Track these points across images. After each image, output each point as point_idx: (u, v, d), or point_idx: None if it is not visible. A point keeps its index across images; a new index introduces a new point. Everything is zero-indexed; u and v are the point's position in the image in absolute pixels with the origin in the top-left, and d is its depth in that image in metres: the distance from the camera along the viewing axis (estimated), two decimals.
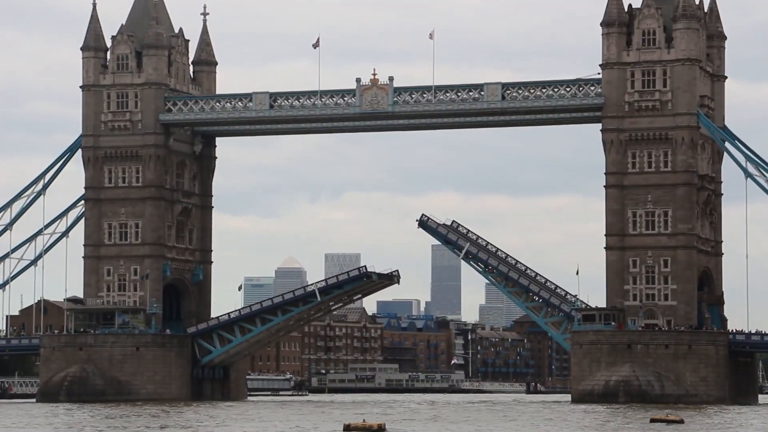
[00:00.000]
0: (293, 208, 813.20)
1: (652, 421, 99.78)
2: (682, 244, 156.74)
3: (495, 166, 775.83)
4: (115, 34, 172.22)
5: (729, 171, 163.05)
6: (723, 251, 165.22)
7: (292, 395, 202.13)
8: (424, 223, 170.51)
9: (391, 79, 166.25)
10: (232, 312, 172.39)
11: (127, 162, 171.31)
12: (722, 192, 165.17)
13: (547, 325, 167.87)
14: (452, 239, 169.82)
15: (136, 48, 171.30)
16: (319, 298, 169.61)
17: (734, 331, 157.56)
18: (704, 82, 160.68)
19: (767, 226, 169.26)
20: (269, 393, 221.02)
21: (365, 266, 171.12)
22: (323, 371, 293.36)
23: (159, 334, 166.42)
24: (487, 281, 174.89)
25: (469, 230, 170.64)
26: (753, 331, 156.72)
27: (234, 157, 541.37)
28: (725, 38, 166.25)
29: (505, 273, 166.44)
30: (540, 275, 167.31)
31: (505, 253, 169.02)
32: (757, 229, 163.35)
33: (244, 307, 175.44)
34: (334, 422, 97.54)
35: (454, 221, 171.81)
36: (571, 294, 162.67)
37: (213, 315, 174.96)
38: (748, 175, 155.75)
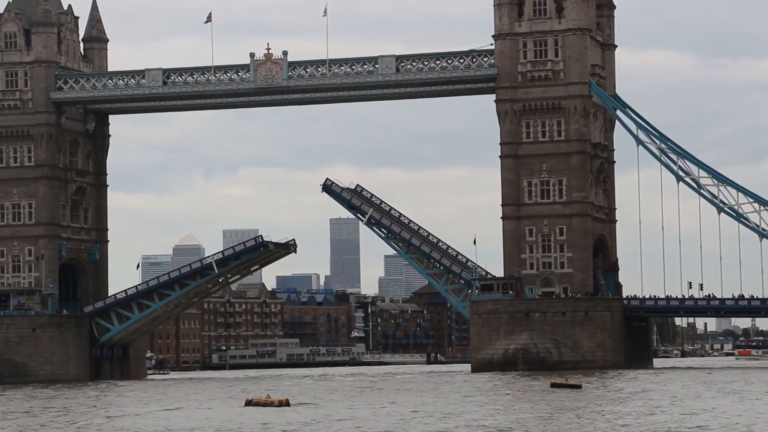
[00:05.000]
0: (188, 185, 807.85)
1: (553, 386, 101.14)
2: (577, 212, 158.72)
3: (390, 139, 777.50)
4: (1, 11, 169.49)
5: (621, 139, 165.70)
6: (617, 218, 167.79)
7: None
8: (328, 188, 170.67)
9: (285, 53, 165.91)
10: (129, 289, 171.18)
11: (18, 141, 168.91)
12: (615, 160, 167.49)
13: (447, 292, 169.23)
14: (356, 204, 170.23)
15: (24, 25, 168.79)
16: (216, 270, 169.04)
17: (629, 296, 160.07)
18: (595, 52, 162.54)
19: (659, 192, 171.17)
20: None
21: (261, 236, 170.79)
22: (223, 348, 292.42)
23: (55, 315, 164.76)
24: (392, 248, 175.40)
25: (372, 194, 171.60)
26: (647, 297, 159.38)
27: (128, 134, 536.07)
28: (614, 7, 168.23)
29: (407, 239, 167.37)
30: (442, 242, 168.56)
31: (408, 218, 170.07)
32: (649, 195, 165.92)
33: (141, 284, 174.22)
34: (237, 399, 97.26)
35: (358, 185, 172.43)
36: (472, 261, 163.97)
37: (110, 294, 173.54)
38: (639, 142, 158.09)
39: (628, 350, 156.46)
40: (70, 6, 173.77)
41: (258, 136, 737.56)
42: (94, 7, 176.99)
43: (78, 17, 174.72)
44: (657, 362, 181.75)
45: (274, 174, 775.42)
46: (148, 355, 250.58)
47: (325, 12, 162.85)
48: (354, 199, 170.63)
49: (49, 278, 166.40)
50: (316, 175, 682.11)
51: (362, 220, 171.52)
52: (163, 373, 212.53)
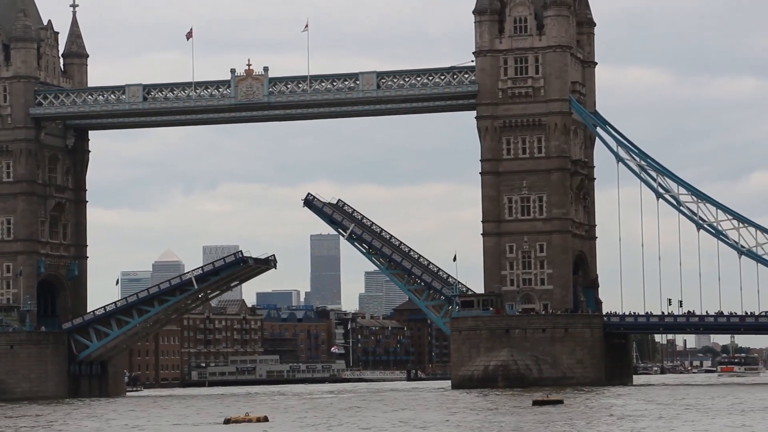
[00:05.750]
0: (168, 201, 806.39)
1: (535, 403, 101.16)
2: (557, 229, 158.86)
3: (371, 155, 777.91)
4: None
5: (601, 156, 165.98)
6: (597, 235, 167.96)
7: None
8: (310, 203, 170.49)
9: (266, 69, 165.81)
10: (108, 305, 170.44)
11: None
12: (595, 177, 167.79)
13: (428, 308, 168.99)
14: (337, 219, 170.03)
15: (4, 41, 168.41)
16: (196, 286, 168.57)
17: (609, 313, 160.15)
18: (575, 69, 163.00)
19: (639, 209, 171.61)
20: None
21: (241, 251, 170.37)
22: (203, 364, 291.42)
23: (34, 332, 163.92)
24: (373, 264, 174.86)
25: (354, 210, 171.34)
26: (627, 313, 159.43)
27: (107, 149, 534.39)
28: (594, 24, 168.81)
29: (388, 255, 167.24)
30: (423, 257, 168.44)
31: (389, 234, 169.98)
32: (629, 212, 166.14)
33: (120, 300, 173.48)
34: (216, 416, 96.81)
35: (339, 200, 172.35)
36: (453, 277, 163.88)
37: (89, 310, 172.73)
38: (619, 159, 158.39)
39: (608, 367, 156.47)
40: (50, 21, 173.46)
41: (238, 152, 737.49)
42: (74, 23, 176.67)
43: (58, 32, 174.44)
44: (636, 379, 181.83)
45: (255, 190, 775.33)
46: None
47: (306, 27, 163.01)
48: (335, 214, 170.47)
49: (27, 294, 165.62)
50: (296, 191, 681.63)
51: (343, 236, 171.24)
52: (137, 390, 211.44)
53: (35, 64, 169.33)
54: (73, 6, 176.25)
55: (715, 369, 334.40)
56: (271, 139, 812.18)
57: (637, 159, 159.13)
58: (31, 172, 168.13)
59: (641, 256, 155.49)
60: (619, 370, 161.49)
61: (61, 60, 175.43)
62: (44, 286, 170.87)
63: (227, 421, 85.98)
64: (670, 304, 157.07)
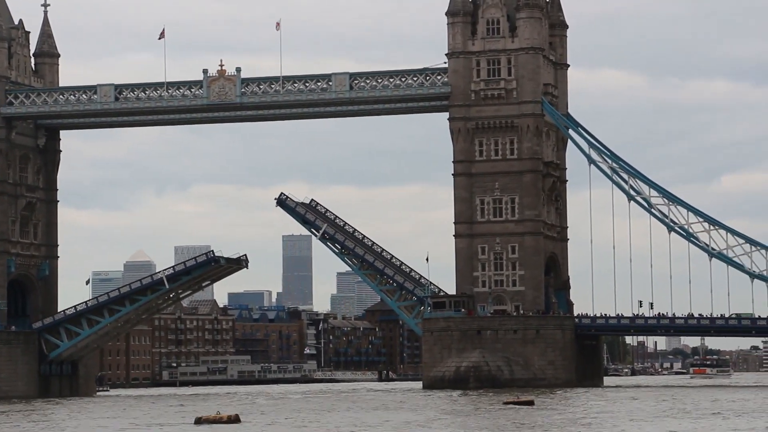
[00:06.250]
0: (140, 201, 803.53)
1: (505, 404, 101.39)
2: (529, 231, 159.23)
3: (344, 156, 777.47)
4: None
5: (573, 158, 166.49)
6: (568, 237, 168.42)
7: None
8: (283, 202, 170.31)
9: (238, 69, 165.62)
10: (78, 304, 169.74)
11: None
12: (567, 178, 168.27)
13: (400, 309, 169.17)
14: (310, 219, 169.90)
15: None
16: (167, 286, 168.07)
17: (580, 315, 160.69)
18: (548, 71, 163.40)
19: (610, 211, 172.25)
20: None
21: (213, 251, 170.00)
22: (174, 364, 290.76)
23: (4, 331, 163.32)
24: (345, 264, 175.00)
25: (327, 209, 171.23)
26: (598, 315, 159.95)
27: (79, 149, 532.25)
28: (567, 27, 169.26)
29: (361, 255, 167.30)
30: (396, 258, 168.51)
31: (362, 234, 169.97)
32: (601, 214, 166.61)
33: (90, 299, 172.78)
34: (187, 415, 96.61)
35: (312, 200, 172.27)
36: (425, 278, 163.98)
37: (60, 310, 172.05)
38: (591, 161, 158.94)
39: (579, 368, 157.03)
40: (21, 21, 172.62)
41: (211, 153, 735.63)
42: (46, 22, 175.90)
43: (29, 32, 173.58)
44: (607, 380, 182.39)
45: (227, 190, 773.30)
46: None
47: (278, 26, 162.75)
48: (308, 214, 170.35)
49: None
50: (268, 192, 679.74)
51: (316, 236, 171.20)
52: (104, 390, 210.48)
53: (6, 64, 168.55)
54: (45, 6, 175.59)
55: (685, 371, 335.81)
56: (243, 139, 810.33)
57: (609, 161, 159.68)
58: (2, 171, 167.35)
59: (612, 258, 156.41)
60: (590, 371, 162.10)
61: (33, 59, 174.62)
62: (15, 286, 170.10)
63: (198, 421, 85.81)
64: (641, 306, 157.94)
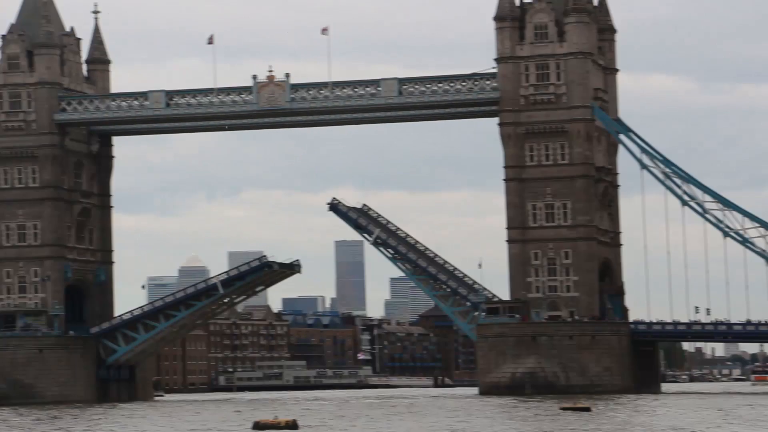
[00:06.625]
0: (192, 206, 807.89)
1: (562, 409, 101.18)
2: (582, 236, 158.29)
3: (393, 161, 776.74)
4: (4, 33, 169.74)
5: (624, 162, 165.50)
6: (622, 242, 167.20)
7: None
8: (335, 207, 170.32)
9: (287, 75, 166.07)
10: (135, 310, 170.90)
11: (22, 162, 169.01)
12: (619, 183, 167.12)
13: (454, 314, 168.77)
14: (363, 224, 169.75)
15: (27, 47, 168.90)
16: (221, 291, 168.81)
17: (636, 321, 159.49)
18: (597, 75, 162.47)
19: (663, 216, 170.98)
20: None
21: (266, 256, 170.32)
22: (230, 369, 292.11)
23: (62, 336, 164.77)
24: (398, 269, 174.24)
25: (379, 215, 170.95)
26: (654, 321, 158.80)
27: (131, 155, 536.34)
28: (615, 31, 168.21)
29: (414, 260, 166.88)
30: (449, 263, 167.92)
31: (414, 239, 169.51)
32: (654, 219, 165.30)
33: (146, 304, 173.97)
34: (245, 420, 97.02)
35: (364, 205, 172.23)
36: (478, 284, 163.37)
37: (116, 315, 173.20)
38: (643, 166, 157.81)
39: (635, 375, 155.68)
40: (72, 28, 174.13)
41: (261, 158, 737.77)
42: (97, 29, 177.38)
43: (81, 39, 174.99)
44: (665, 387, 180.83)
45: (278, 196, 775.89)
46: None
47: (325, 31, 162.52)
48: (361, 219, 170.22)
49: (55, 299, 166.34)
50: (320, 197, 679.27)
51: (369, 241, 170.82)
52: (158, 395, 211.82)
53: (59, 71, 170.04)
54: (96, 12, 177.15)
55: (745, 377, 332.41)
56: (293, 145, 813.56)
57: (662, 166, 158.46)
58: (57, 177, 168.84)
59: (667, 264, 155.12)
60: (647, 378, 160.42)
61: (85, 66, 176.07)
62: (72, 291, 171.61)
63: (256, 425, 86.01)
64: (697, 312, 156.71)
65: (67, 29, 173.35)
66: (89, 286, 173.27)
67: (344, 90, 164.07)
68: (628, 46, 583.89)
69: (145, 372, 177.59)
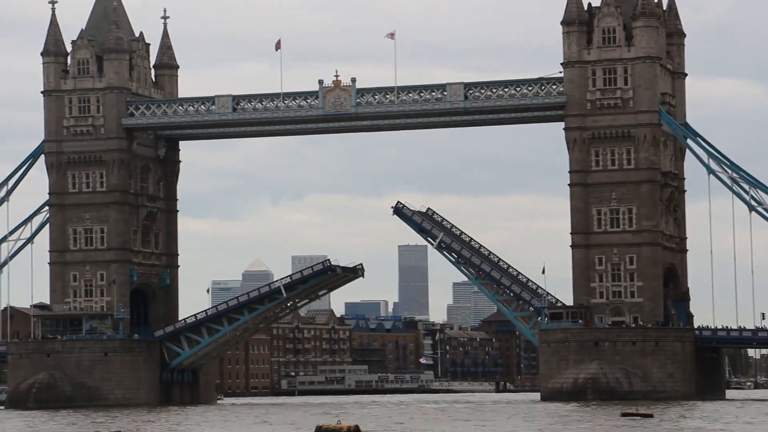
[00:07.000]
0: (256, 211, 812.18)
1: (623, 415, 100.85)
2: (647, 241, 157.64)
3: (458, 166, 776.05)
4: (74, 38, 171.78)
5: (691, 168, 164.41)
6: (687, 247, 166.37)
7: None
8: (399, 210, 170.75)
9: (353, 80, 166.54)
10: (198, 313, 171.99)
11: (90, 167, 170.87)
12: (685, 189, 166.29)
13: (516, 319, 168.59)
14: (426, 228, 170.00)
15: (97, 52, 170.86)
16: (284, 294, 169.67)
17: (700, 327, 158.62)
18: (665, 80, 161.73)
19: (730, 222, 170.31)
20: None
21: (329, 260, 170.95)
22: (293, 373, 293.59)
23: (127, 339, 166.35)
24: (462, 273, 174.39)
25: (444, 218, 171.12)
26: (719, 327, 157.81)
27: (197, 159, 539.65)
28: (684, 35, 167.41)
29: (477, 264, 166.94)
30: (512, 267, 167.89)
31: (478, 243, 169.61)
32: (721, 225, 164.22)
33: (210, 308, 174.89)
34: (308, 424, 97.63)
35: (429, 209, 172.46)
36: (542, 288, 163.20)
37: (181, 319, 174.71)
38: (710, 171, 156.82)
39: (699, 381, 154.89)
40: (141, 33, 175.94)
41: (324, 163, 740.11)
42: (165, 34, 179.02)
43: (149, 44, 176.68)
44: (729, 393, 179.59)
45: (341, 200, 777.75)
46: None
47: (390, 35, 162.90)
48: (425, 223, 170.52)
49: (120, 303, 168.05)
50: (382, 202, 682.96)
51: (432, 244, 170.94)
52: (219, 398, 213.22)
53: (127, 75, 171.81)
54: (164, 18, 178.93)
55: None
56: (357, 149, 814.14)
57: (729, 171, 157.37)
58: (124, 181, 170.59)
59: (733, 270, 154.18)
60: (711, 384, 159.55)
61: (153, 71, 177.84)
62: (137, 295, 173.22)
63: (319, 430, 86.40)
64: (763, 318, 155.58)
65: (136, 35, 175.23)
66: (154, 289, 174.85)
67: (410, 95, 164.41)
68: (695, 50, 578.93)
69: (208, 375, 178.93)
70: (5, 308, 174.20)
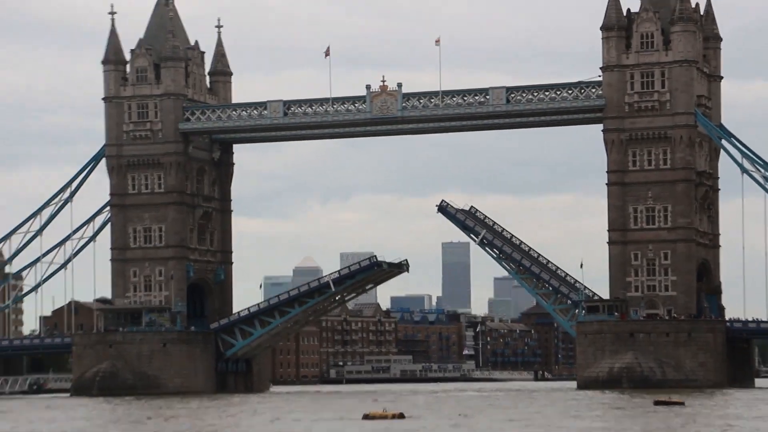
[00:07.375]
0: (306, 210, 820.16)
1: (656, 403, 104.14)
2: (682, 238, 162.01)
3: (500, 166, 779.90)
4: (133, 47, 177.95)
5: (726, 167, 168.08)
6: (720, 244, 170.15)
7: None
8: (444, 209, 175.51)
9: (399, 85, 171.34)
10: (252, 306, 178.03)
11: (149, 169, 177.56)
12: (719, 187, 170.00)
13: (555, 312, 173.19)
14: (470, 225, 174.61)
15: (154, 60, 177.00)
16: (333, 289, 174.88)
17: (731, 319, 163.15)
18: (701, 83, 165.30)
19: (762, 219, 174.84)
20: None
21: (375, 256, 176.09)
22: (341, 363, 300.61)
23: (184, 331, 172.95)
24: (503, 268, 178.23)
25: (486, 216, 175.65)
26: (750, 319, 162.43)
27: (250, 162, 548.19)
28: (721, 40, 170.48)
29: (518, 260, 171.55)
30: (552, 262, 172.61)
31: (519, 240, 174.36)
32: (753, 222, 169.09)
33: (263, 302, 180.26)
34: (355, 411, 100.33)
35: (472, 207, 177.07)
36: (579, 283, 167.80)
37: (235, 312, 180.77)
38: (744, 170, 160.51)
39: (729, 371, 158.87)
40: (196, 42, 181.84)
41: (370, 165, 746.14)
42: (219, 43, 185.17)
43: (204, 52, 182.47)
44: (758, 382, 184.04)
45: (387, 200, 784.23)
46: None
47: (438, 42, 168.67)
48: (468, 220, 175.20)
49: (178, 297, 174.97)
50: (427, 201, 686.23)
51: (475, 241, 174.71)
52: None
53: (183, 82, 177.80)
54: (218, 27, 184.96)
55: None
56: (403, 151, 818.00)
57: (762, 170, 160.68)
58: (181, 183, 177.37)
59: (765, 265, 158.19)
60: (741, 374, 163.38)
61: (207, 78, 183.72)
62: (193, 289, 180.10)
63: (366, 417, 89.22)
64: None
65: (192, 43, 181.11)
66: (210, 284, 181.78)
67: (454, 98, 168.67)
68: (730, 52, 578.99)
69: (260, 365, 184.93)
70: (70, 303, 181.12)
